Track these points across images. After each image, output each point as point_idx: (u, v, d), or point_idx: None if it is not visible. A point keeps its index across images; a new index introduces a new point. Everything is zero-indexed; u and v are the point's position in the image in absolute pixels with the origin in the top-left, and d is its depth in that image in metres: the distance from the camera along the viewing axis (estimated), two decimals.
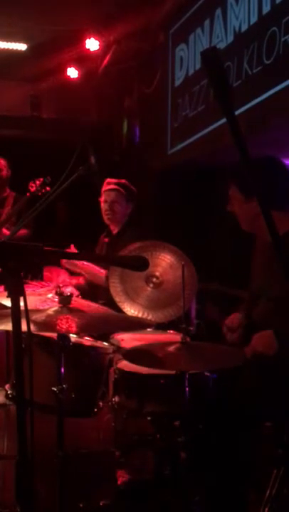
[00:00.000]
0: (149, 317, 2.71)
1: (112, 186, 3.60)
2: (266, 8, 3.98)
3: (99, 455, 2.20)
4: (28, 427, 1.38)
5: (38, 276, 3.50)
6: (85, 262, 3.43)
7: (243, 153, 1.15)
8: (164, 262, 2.76)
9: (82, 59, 6.33)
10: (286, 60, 3.72)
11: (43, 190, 4.01)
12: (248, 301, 2.56)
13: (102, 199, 3.64)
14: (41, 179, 4.08)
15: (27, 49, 6.26)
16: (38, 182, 4.10)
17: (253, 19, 4.14)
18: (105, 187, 3.63)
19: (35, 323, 2.02)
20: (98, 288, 3.47)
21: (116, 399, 2.26)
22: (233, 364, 2.14)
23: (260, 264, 2.47)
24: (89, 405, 2.24)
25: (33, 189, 4.12)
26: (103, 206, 3.62)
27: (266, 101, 3.92)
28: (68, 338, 2.16)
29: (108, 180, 3.64)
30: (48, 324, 2.06)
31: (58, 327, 2.04)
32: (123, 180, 3.65)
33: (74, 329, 2.13)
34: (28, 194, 4.16)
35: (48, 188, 3.97)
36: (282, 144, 4.08)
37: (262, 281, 2.43)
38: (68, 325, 2.06)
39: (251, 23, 4.17)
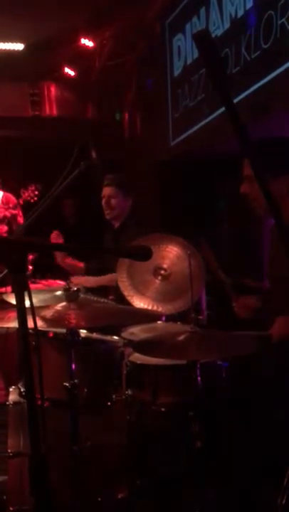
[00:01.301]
0: (159, 310, 2.70)
1: (106, 182, 3.60)
2: None
3: (114, 449, 2.19)
4: (41, 424, 1.37)
5: (45, 274, 3.51)
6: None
7: (242, 135, 1.12)
8: (171, 254, 2.74)
9: (81, 55, 6.31)
10: (284, 43, 3.68)
11: (35, 198, 4.08)
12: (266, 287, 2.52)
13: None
14: (33, 186, 4.15)
15: (24, 49, 6.24)
16: (30, 188, 4.17)
17: (249, 4, 4.10)
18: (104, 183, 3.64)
19: (44, 319, 2.01)
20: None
21: (129, 392, 2.25)
22: (245, 352, 2.12)
23: (281, 249, 2.42)
24: (102, 399, 2.23)
25: (24, 195, 4.19)
26: (102, 202, 3.62)
27: (266, 85, 3.89)
28: (78, 333, 2.15)
29: (107, 176, 3.63)
30: (57, 320, 2.06)
31: (66, 322, 2.04)
32: (119, 175, 3.64)
33: (83, 324, 2.13)
34: (21, 201, 4.24)
35: (38, 194, 4.04)
36: (285, 127, 4.04)
37: (283, 265, 2.39)
38: (77, 320, 2.06)
39: (247, 8, 4.12)
